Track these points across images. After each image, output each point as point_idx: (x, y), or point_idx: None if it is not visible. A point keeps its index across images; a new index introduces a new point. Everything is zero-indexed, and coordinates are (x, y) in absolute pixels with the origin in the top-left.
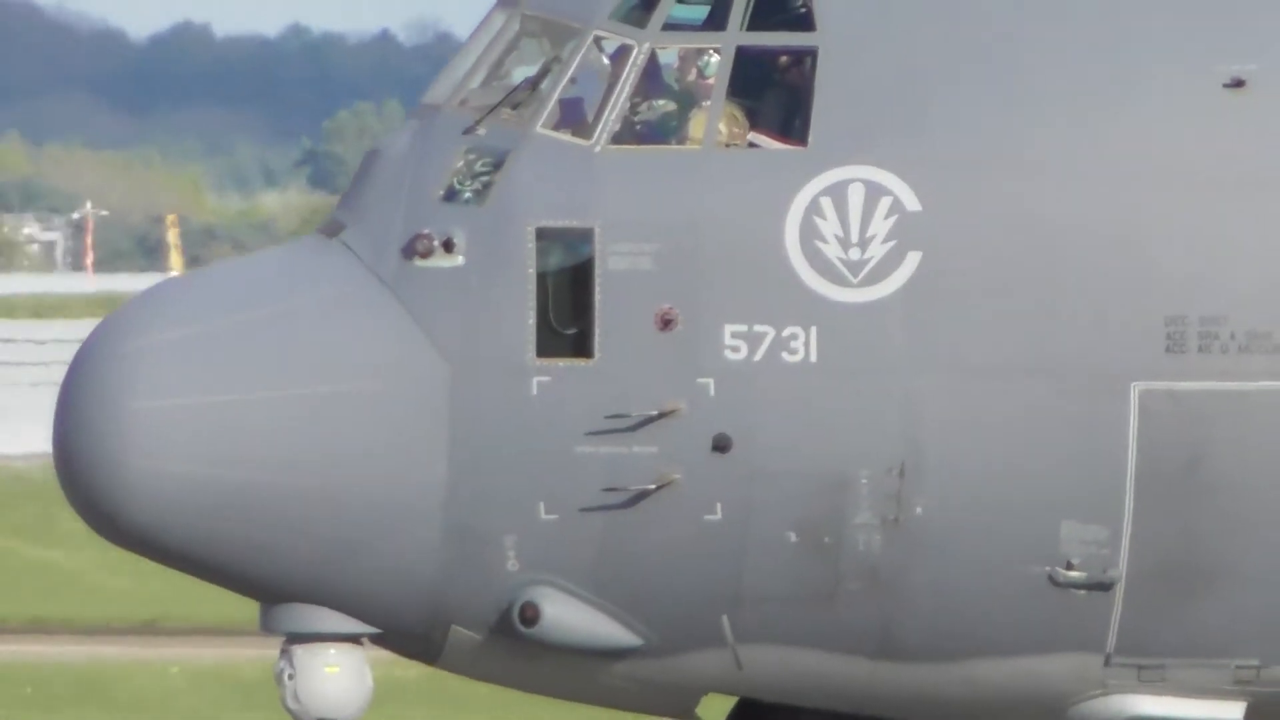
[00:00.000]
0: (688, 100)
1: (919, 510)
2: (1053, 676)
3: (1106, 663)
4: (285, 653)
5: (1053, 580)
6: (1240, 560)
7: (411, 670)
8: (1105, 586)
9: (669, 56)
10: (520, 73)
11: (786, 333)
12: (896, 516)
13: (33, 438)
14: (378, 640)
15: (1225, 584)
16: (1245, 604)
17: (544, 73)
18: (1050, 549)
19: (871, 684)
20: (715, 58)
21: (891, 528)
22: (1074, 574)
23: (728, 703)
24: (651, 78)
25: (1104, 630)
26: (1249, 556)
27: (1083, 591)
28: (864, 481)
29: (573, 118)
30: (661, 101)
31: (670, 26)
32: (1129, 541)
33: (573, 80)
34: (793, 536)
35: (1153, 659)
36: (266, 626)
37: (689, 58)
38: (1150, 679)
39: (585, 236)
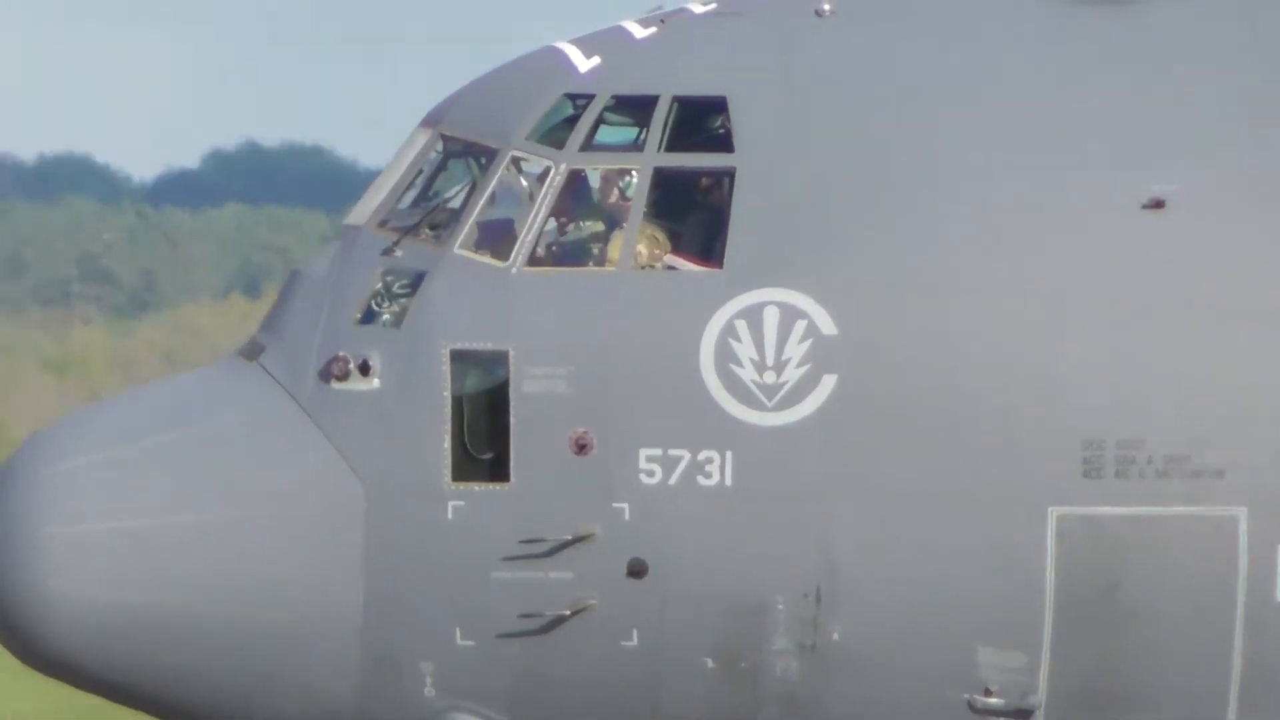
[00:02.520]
0: (610, 221)
1: (835, 636)
2: None
3: None
4: None
5: (971, 707)
6: (1157, 686)
7: None
8: (1025, 714)
9: (595, 177)
10: (449, 194)
11: (702, 456)
12: (814, 642)
13: None
14: None
15: (1143, 710)
16: None
17: (465, 193)
18: (969, 675)
19: None
20: (635, 179)
21: (809, 653)
22: (993, 700)
23: None
24: (574, 198)
25: None
26: (1166, 682)
27: (1002, 718)
28: (780, 607)
29: (492, 239)
30: (588, 223)
31: (593, 148)
32: (1048, 668)
33: (492, 201)
34: (710, 662)
35: None
36: None
37: (610, 178)
38: None
39: (500, 359)
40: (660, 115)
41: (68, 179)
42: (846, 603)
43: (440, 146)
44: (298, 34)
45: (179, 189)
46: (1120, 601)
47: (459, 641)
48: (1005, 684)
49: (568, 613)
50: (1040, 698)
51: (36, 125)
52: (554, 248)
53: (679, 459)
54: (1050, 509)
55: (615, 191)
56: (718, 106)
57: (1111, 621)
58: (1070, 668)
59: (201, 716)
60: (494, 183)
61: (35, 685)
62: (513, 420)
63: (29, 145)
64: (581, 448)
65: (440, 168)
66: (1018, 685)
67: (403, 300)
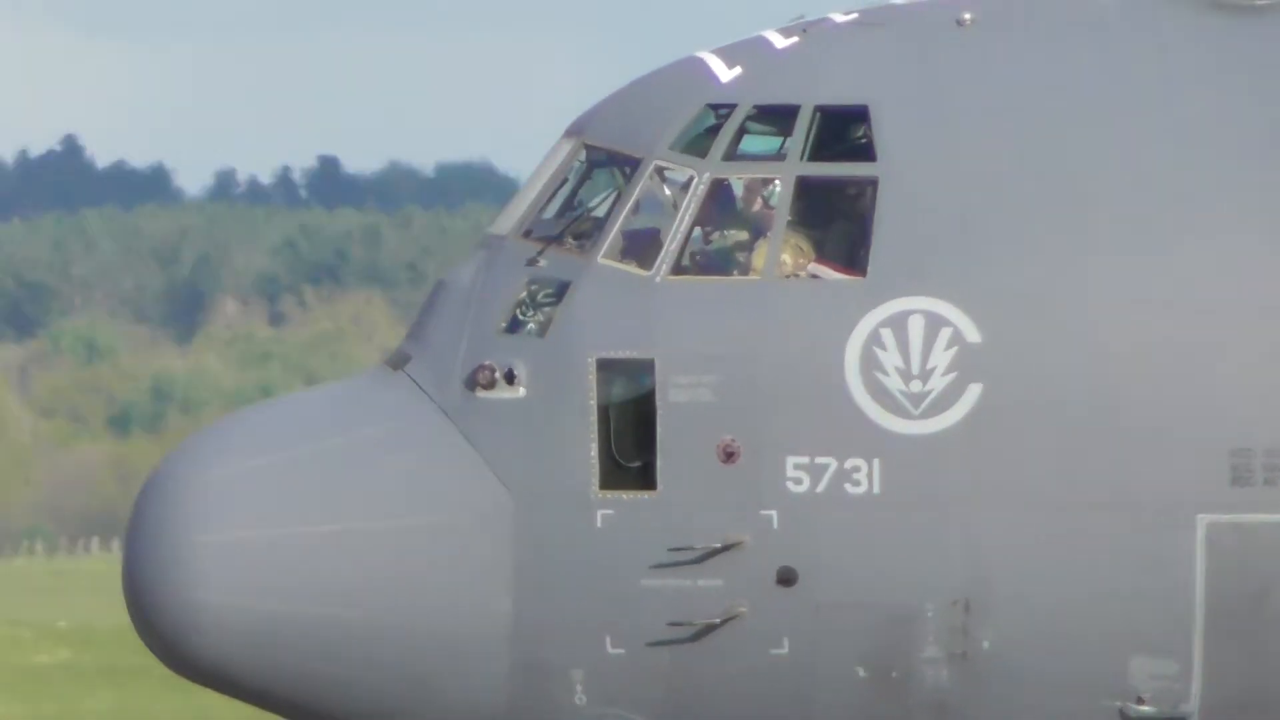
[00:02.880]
0: (754, 229)
1: (986, 644)
2: None
3: None
4: None
5: (1124, 715)
6: None
7: None
8: None
9: (739, 186)
10: (593, 203)
11: (849, 464)
12: (964, 650)
13: None
14: None
15: None
16: None
17: (609, 203)
18: (1120, 684)
19: None
20: (779, 187)
21: (959, 661)
22: (1145, 709)
23: None
24: (717, 207)
25: None
26: None
27: None
28: (930, 615)
29: (636, 248)
30: (732, 231)
31: (736, 157)
32: (1200, 676)
33: (635, 210)
34: (860, 671)
35: None
36: None
37: (754, 187)
38: None
39: (646, 368)
40: (802, 124)
41: (469, 188)
42: (997, 611)
43: (584, 156)
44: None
45: None
46: (1271, 608)
47: (609, 649)
48: (1157, 692)
49: (718, 621)
50: (1193, 705)
51: (435, 135)
52: (698, 257)
53: (826, 466)
54: (1199, 517)
55: (759, 200)
56: (859, 115)
57: (1263, 628)
58: (1222, 675)
59: None
60: (637, 192)
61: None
62: (659, 429)
63: (428, 155)
64: (729, 456)
65: (585, 177)
66: (1170, 693)
67: (547, 309)
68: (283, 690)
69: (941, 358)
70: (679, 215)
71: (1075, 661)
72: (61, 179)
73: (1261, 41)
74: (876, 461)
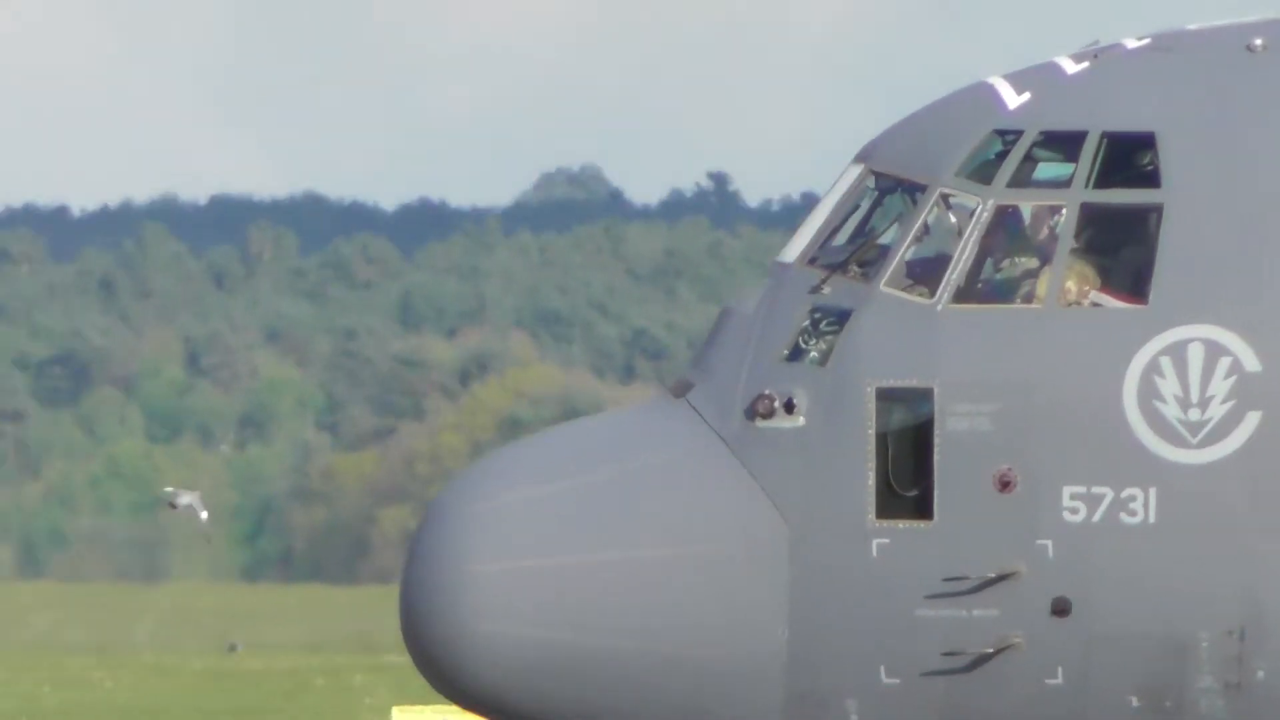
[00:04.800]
0: (1042, 257)
1: (1261, 674)
2: None
3: None
4: None
5: None
6: None
7: None
8: None
9: (1027, 213)
10: (879, 230)
11: (1125, 494)
12: (1239, 680)
13: None
14: None
15: None
16: None
17: (893, 230)
18: None
19: None
20: (1065, 215)
21: (1234, 692)
22: None
23: None
24: (1005, 234)
25: None
26: None
27: None
28: (1204, 645)
29: (919, 275)
30: (1021, 259)
31: (1022, 184)
32: None
33: (920, 237)
34: (1134, 700)
35: None
36: None
37: (1041, 214)
38: None
39: (925, 396)
40: (1089, 151)
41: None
42: (1272, 640)
43: (872, 183)
44: None
45: None
46: None
47: (884, 679)
48: None
49: (992, 651)
50: None
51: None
52: (980, 285)
53: (1102, 496)
54: None
55: (1045, 228)
56: (1146, 142)
57: None
58: None
59: None
60: (922, 219)
61: None
62: (937, 458)
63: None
64: (1005, 485)
65: (876, 204)
66: None
67: (829, 337)
68: (560, 718)
69: (1220, 386)
70: (962, 242)
71: None
72: None
73: None
74: (1153, 490)
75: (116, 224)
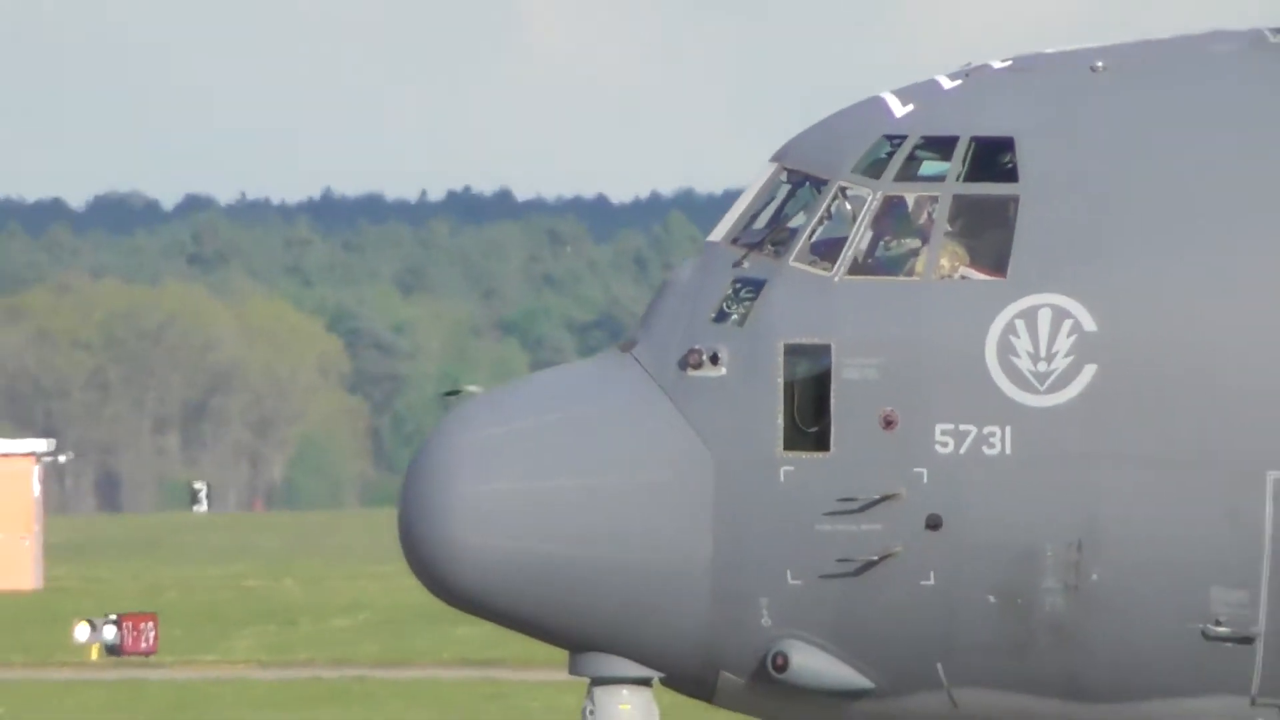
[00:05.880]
0: (920, 238)
1: (1095, 577)
2: (1208, 715)
3: (1252, 703)
4: (589, 692)
5: (1205, 635)
6: None
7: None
8: (1248, 640)
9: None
10: (797, 216)
11: (986, 430)
12: (1076, 583)
13: None
14: (664, 683)
15: None
16: None
17: (802, 217)
18: (1202, 609)
19: None
20: (939, 204)
21: (1072, 592)
22: (1221, 630)
23: None
24: (889, 220)
25: (1248, 677)
26: None
27: (1229, 644)
28: (1049, 554)
29: (821, 253)
30: (900, 240)
31: (906, 179)
32: (1266, 603)
33: (822, 222)
34: (992, 599)
35: None
36: (573, 670)
37: (921, 204)
38: None
39: (824, 351)
40: (960, 152)
41: None
42: (1104, 550)
43: (784, 178)
44: None
45: None
46: None
47: (789, 581)
48: (1231, 616)
49: (876, 558)
50: (1260, 627)
51: None
52: (870, 261)
53: (968, 432)
54: (1269, 473)
55: (925, 215)
56: (1007, 145)
57: None
58: None
59: (587, 644)
60: (824, 207)
61: None
62: (833, 401)
63: None
64: (888, 423)
65: (789, 195)
66: (1242, 617)
67: (747, 303)
68: (530, 615)
69: (1064, 343)
70: (856, 226)
71: (1166, 591)
72: None
73: None
74: (1009, 428)
75: (647, 212)
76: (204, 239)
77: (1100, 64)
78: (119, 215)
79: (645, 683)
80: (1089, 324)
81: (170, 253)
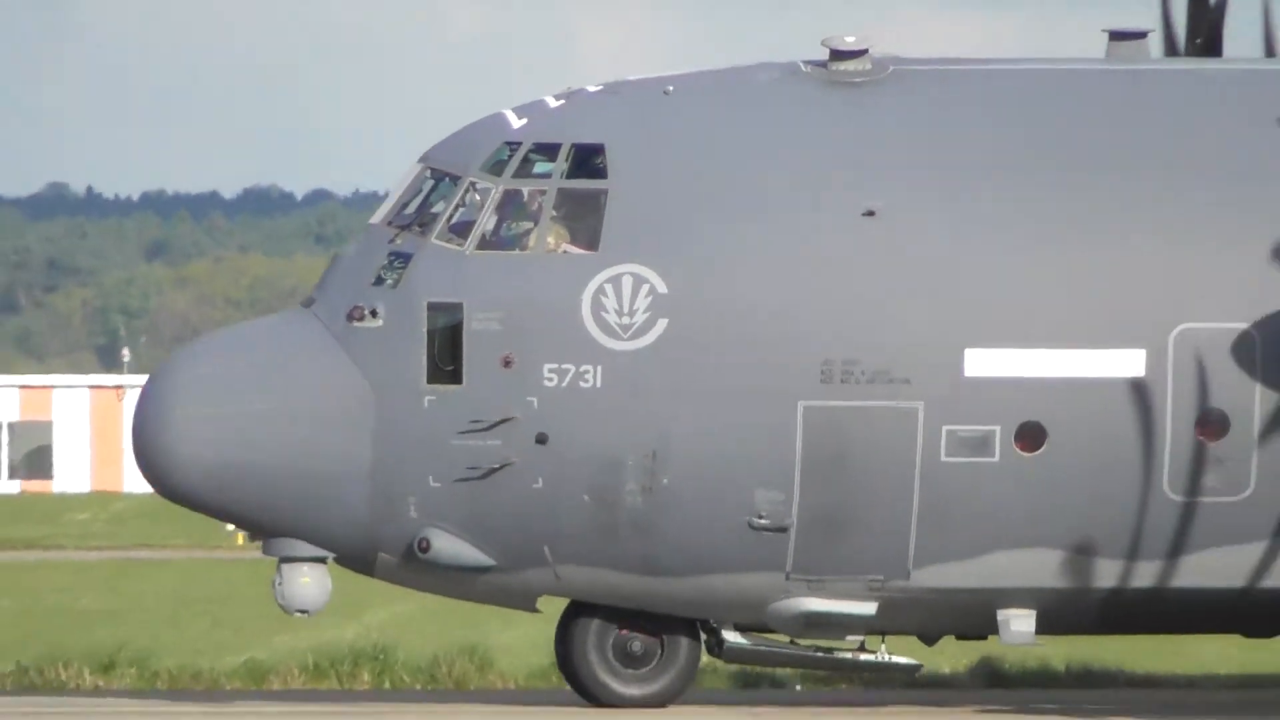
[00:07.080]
0: (533, 221)
1: (666, 481)
2: (755, 587)
3: (787, 578)
4: (277, 569)
5: (751, 526)
6: (867, 516)
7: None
8: (783, 529)
9: (526, 195)
10: (438, 204)
11: (582, 369)
12: (651, 486)
13: None
14: (335, 561)
15: (857, 530)
16: (870, 543)
17: (444, 205)
18: (749, 506)
19: (643, 591)
20: (547, 196)
21: (648, 492)
22: (763, 522)
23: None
24: (509, 208)
25: (784, 558)
26: (873, 514)
27: (769, 533)
28: (630, 462)
29: (457, 232)
30: (517, 223)
31: (521, 176)
32: (797, 502)
33: (457, 209)
34: (587, 498)
35: (815, 576)
36: (266, 551)
37: (534, 196)
38: (815, 588)
39: (458, 308)
40: (563, 155)
41: None
42: (673, 461)
43: (429, 174)
44: None
45: None
46: (843, 463)
47: (431, 484)
48: (771, 512)
49: (498, 466)
50: (793, 520)
51: None
52: (493, 238)
53: (568, 370)
54: (799, 402)
55: (537, 204)
56: (599, 150)
57: (837, 474)
58: (811, 502)
59: (276, 530)
60: (459, 197)
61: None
62: (465, 346)
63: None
64: (507, 363)
65: (433, 188)
66: (779, 512)
67: (400, 271)
68: (231, 507)
69: (642, 302)
70: (483, 213)
71: (721, 492)
72: None
73: (859, 107)
74: (600, 367)
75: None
76: (325, 223)
77: (671, 88)
78: (262, 204)
79: (321, 560)
80: (662, 288)
81: (300, 233)
